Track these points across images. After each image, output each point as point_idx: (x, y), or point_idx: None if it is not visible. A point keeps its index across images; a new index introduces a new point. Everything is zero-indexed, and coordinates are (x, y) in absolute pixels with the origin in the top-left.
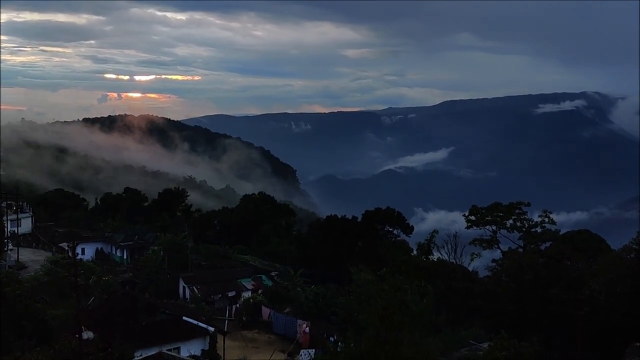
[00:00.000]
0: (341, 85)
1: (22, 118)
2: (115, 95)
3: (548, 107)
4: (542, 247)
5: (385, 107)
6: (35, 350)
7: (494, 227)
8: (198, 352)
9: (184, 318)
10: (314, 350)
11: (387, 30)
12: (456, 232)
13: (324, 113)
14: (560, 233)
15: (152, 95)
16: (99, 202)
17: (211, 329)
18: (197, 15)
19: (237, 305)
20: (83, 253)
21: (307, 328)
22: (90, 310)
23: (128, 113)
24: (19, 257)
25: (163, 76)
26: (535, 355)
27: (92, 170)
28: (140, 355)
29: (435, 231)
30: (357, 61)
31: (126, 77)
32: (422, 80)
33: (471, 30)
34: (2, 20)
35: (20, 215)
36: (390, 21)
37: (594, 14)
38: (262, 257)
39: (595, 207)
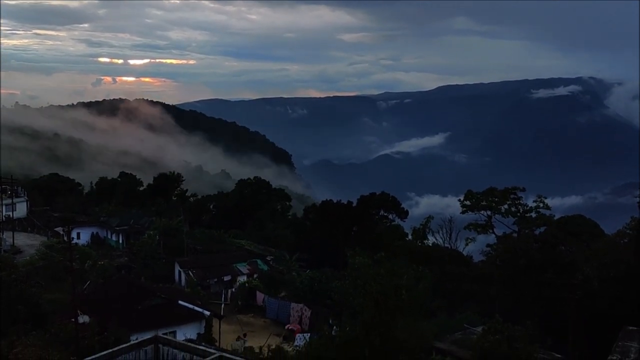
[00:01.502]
0: (337, 69)
1: (16, 102)
2: (109, 79)
3: (544, 92)
4: (537, 232)
5: (381, 92)
6: (30, 335)
7: (488, 212)
8: (194, 336)
9: (180, 302)
10: (309, 334)
11: (383, 14)
12: (451, 217)
13: (320, 97)
14: (555, 218)
15: (147, 79)
16: (94, 187)
17: (207, 313)
18: None
19: (233, 289)
20: (78, 237)
21: (301, 319)
22: (86, 294)
23: (123, 97)
24: (14, 241)
25: (157, 60)
26: (529, 339)
27: (87, 154)
28: (136, 339)
29: (430, 216)
30: (353, 45)
31: (120, 61)
32: (418, 65)
33: (468, 14)
34: None
35: (15, 200)
36: (387, 5)
37: None
38: (258, 241)
39: (590, 192)
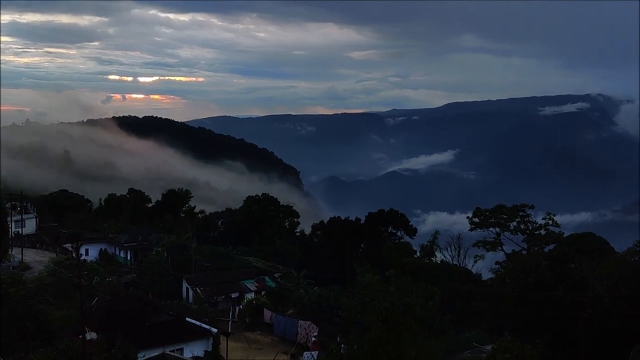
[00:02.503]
0: (345, 86)
1: (27, 119)
2: (119, 96)
3: (552, 109)
4: (546, 249)
5: (389, 109)
6: (38, 351)
7: (497, 229)
8: (201, 353)
9: (187, 319)
10: (317, 352)
11: (391, 31)
12: (460, 234)
13: (328, 115)
14: (564, 235)
15: (156, 97)
16: (103, 203)
17: (214, 330)
18: (200, 17)
19: (240, 306)
20: (87, 254)
21: (314, 337)
22: (94, 311)
23: (132, 114)
24: (23, 257)
25: (167, 77)
26: (539, 357)
27: (96, 170)
28: (144, 356)
29: (437, 232)
30: (361, 63)
31: (130, 79)
32: (426, 82)
33: (475, 31)
34: (5, 21)
35: (24, 216)
36: (395, 23)
37: (599, 15)
38: (265, 258)
39: (599, 209)
